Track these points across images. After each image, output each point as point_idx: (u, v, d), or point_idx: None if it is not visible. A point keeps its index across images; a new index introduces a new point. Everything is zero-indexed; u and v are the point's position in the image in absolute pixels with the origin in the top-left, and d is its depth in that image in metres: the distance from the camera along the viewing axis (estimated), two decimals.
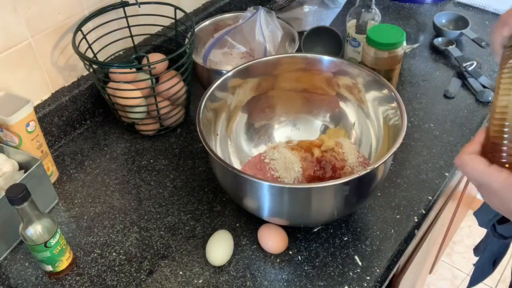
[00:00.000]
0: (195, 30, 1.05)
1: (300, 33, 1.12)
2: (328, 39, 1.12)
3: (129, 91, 0.91)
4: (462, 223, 1.99)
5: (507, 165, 0.48)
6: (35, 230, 0.70)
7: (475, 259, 0.86)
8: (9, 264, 0.78)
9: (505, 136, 0.49)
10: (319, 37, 1.12)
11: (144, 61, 0.97)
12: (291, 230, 0.79)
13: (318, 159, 0.84)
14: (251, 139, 0.92)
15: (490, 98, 1.03)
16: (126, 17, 0.98)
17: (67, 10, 0.92)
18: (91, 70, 0.89)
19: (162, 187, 0.89)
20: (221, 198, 0.86)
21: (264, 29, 1.04)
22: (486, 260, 0.76)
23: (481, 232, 0.81)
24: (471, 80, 1.07)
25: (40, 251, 0.71)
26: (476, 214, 0.70)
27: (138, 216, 0.84)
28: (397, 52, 0.93)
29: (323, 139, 0.87)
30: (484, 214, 0.68)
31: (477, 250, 0.76)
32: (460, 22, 1.22)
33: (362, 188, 0.72)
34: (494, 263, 0.77)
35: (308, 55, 0.89)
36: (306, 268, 0.75)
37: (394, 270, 0.78)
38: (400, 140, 0.71)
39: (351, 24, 1.06)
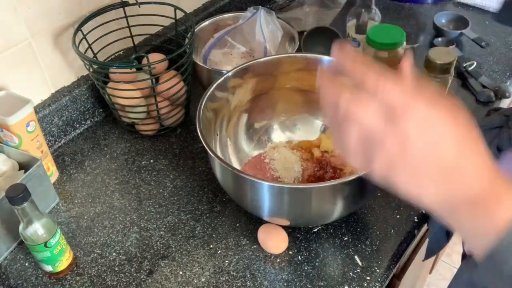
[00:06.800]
0: (195, 30, 1.05)
1: (300, 33, 1.12)
2: (328, 39, 1.12)
3: (129, 91, 0.91)
4: None
5: None
6: (35, 230, 0.70)
7: None
8: (9, 264, 0.78)
9: None
10: (319, 37, 1.12)
11: (144, 61, 0.97)
12: (291, 230, 0.79)
13: (318, 159, 0.84)
14: (251, 139, 0.92)
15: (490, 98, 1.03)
16: (126, 17, 0.98)
17: (67, 10, 0.92)
18: (91, 70, 0.89)
19: (162, 187, 0.89)
20: (221, 198, 0.86)
21: (264, 29, 1.04)
22: (438, 231, 0.77)
23: None
24: (471, 80, 1.07)
25: (40, 251, 0.71)
26: None
27: (138, 216, 0.84)
28: (397, 52, 0.93)
29: (323, 139, 0.87)
30: None
31: (429, 222, 0.77)
32: (460, 22, 1.22)
33: (362, 188, 0.72)
34: (448, 233, 0.78)
35: (308, 55, 0.89)
36: (306, 268, 0.75)
37: (394, 270, 0.78)
38: None
39: (351, 24, 1.06)
